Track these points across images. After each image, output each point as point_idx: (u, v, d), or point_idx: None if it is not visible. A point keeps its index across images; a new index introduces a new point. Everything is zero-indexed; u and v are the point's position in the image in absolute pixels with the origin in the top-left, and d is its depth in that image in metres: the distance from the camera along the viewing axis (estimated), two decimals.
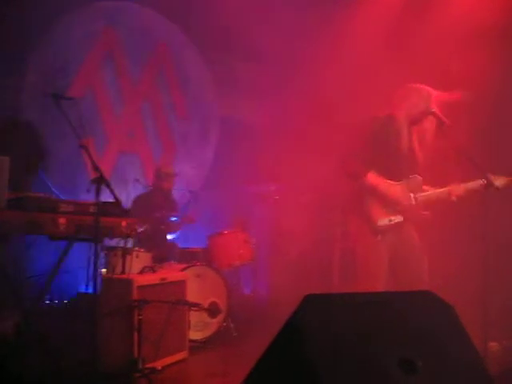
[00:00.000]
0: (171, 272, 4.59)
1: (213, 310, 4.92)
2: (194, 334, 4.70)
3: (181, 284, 4.41)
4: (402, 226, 3.74)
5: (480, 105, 5.17)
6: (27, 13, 5.63)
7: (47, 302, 5.20)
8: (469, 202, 3.79)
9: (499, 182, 3.57)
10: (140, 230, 4.93)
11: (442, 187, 3.79)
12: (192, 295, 4.50)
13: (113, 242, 4.47)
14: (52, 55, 6.08)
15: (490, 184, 3.48)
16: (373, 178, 3.66)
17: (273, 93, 7.96)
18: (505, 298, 4.53)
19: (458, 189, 3.72)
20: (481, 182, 3.62)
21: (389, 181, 3.69)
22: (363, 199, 3.73)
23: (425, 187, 3.82)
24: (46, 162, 5.89)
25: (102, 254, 4.36)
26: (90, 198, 3.48)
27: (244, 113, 7.81)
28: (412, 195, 3.72)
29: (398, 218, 3.71)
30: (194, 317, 4.68)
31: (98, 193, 3.32)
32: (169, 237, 5.70)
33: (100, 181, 3.31)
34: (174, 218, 5.50)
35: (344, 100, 5.96)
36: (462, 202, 3.79)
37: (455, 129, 3.51)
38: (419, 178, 3.79)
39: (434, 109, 3.63)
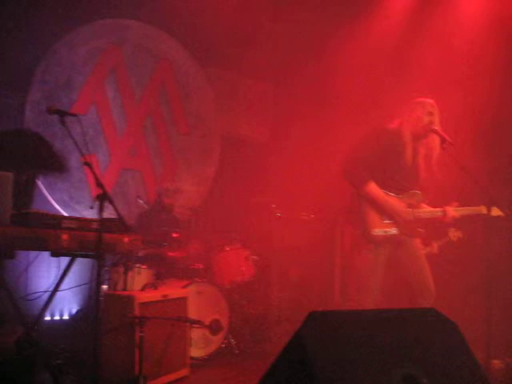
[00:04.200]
0: (173, 289, 4.58)
1: (214, 327, 4.90)
2: (196, 352, 4.68)
3: (182, 301, 4.40)
4: (402, 237, 3.76)
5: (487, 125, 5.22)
6: (31, 30, 5.69)
7: (49, 318, 5.19)
8: (472, 224, 3.83)
9: (501, 212, 3.61)
10: (143, 248, 4.93)
11: (439, 206, 3.84)
12: (193, 312, 4.49)
13: (115, 259, 4.48)
14: (56, 72, 6.13)
15: (488, 212, 3.54)
16: (373, 188, 3.68)
17: (274, 108, 8.02)
18: (508, 316, 4.52)
19: (454, 212, 3.78)
20: (478, 209, 3.71)
21: (389, 193, 3.71)
22: (361, 208, 3.75)
23: (423, 205, 3.86)
24: (49, 177, 5.90)
25: (103, 271, 4.35)
26: (91, 214, 3.49)
27: (246, 129, 7.85)
28: (411, 210, 3.74)
29: (393, 231, 3.73)
30: (196, 334, 4.66)
31: (101, 209, 3.33)
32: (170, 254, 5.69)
33: (103, 197, 3.32)
34: (176, 235, 5.49)
35: (347, 115, 6.00)
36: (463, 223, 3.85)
37: (458, 147, 3.54)
38: (419, 193, 3.82)
39: (436, 126, 3.67)
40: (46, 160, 5.45)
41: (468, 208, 3.81)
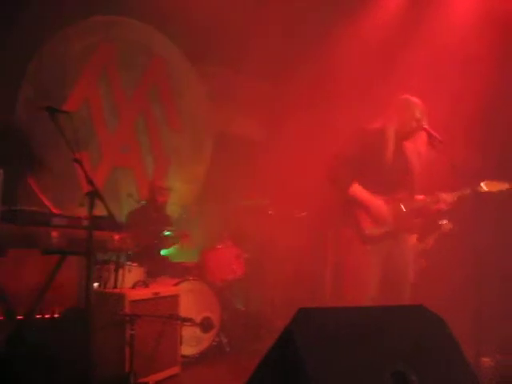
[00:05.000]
0: (164, 287, 4.57)
1: (205, 325, 4.90)
2: (187, 349, 4.67)
3: (174, 299, 4.39)
4: (396, 234, 3.75)
5: (477, 114, 5.25)
6: (24, 27, 5.66)
7: (39, 315, 5.15)
8: (461, 215, 3.82)
9: (496, 187, 3.59)
10: (135, 245, 4.91)
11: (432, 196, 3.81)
12: (185, 310, 4.48)
13: (105, 256, 4.46)
14: (48, 68, 6.09)
15: (478, 193, 3.53)
16: (357, 189, 3.67)
17: (268, 107, 8.02)
18: (498, 313, 4.54)
19: (447, 197, 3.73)
20: (468, 190, 3.65)
21: (374, 194, 3.69)
22: (353, 208, 3.74)
23: (417, 197, 3.83)
24: (39, 175, 5.87)
25: (94, 268, 4.33)
26: (84, 212, 3.48)
27: (239, 127, 7.84)
28: (402, 205, 3.72)
29: (385, 228, 3.71)
30: (187, 332, 4.65)
31: (91, 207, 3.31)
32: (162, 251, 5.68)
33: (94, 195, 3.30)
34: (167, 233, 5.49)
35: (340, 113, 6.01)
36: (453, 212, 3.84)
37: (447, 143, 3.54)
38: (409, 190, 3.80)
39: (425, 125, 3.66)
40: (31, 159, 5.43)
41: (461, 190, 3.70)
